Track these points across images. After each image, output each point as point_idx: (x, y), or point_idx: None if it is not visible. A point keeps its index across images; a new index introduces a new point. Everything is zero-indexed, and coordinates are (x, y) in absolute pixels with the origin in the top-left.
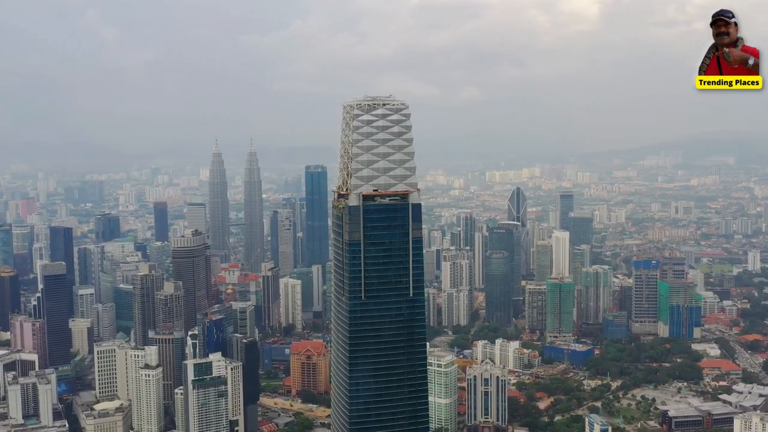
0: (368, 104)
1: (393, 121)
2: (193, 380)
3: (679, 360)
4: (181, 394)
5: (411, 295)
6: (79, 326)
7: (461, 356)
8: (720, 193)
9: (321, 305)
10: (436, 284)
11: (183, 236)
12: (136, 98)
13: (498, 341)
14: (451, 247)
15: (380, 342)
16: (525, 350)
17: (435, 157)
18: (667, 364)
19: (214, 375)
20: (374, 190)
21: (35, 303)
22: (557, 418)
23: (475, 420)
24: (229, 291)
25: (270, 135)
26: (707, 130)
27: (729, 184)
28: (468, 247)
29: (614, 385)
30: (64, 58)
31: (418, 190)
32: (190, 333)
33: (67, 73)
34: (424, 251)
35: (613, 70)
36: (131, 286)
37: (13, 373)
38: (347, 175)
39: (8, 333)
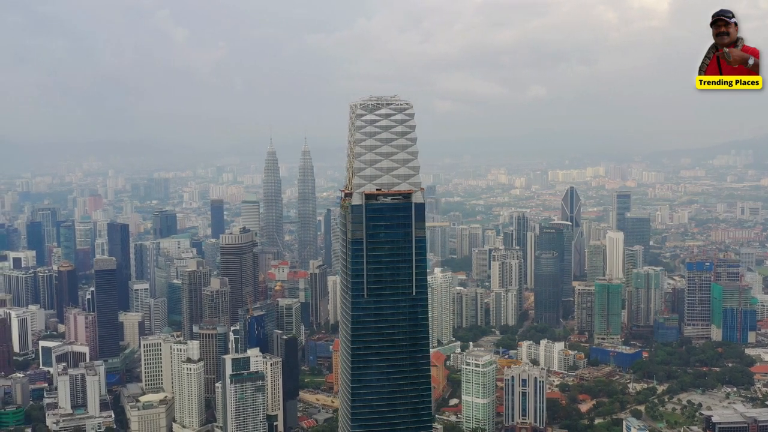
0: (372, 104)
1: (396, 121)
2: (231, 375)
3: (730, 364)
4: (221, 388)
5: (414, 293)
6: (130, 320)
7: (506, 356)
8: None
9: None
10: (487, 284)
11: (231, 233)
12: (204, 97)
13: (543, 342)
14: (501, 247)
15: (382, 340)
16: (570, 352)
17: (498, 155)
18: (717, 369)
19: (251, 370)
20: (377, 189)
21: (89, 297)
22: (598, 421)
23: (512, 421)
24: (278, 288)
25: (335, 133)
26: None
27: None
28: (518, 247)
29: (660, 389)
30: (136, 58)
31: (422, 189)
32: (232, 328)
33: (138, 74)
34: (476, 250)
35: (683, 67)
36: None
37: (64, 364)
38: (351, 174)
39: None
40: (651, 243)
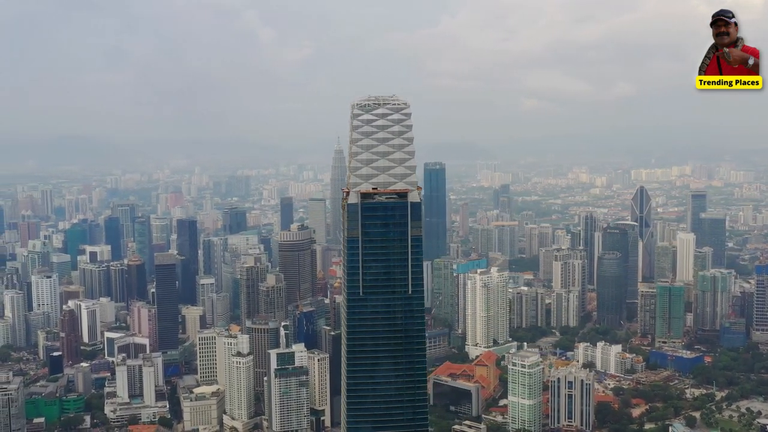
0: (369, 103)
1: (393, 120)
2: (275, 369)
3: None
4: (267, 382)
5: (410, 292)
6: (192, 313)
7: (563, 358)
8: None
9: (429, 300)
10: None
11: (289, 230)
12: (289, 96)
13: (600, 344)
14: (563, 247)
15: (378, 337)
16: (628, 354)
17: (581, 153)
18: None
19: (296, 365)
20: (373, 189)
21: (153, 290)
22: (648, 426)
23: (558, 423)
24: (337, 285)
25: (417, 131)
26: None
27: None
28: (581, 247)
29: (720, 395)
30: (224, 58)
31: (419, 188)
32: (283, 324)
33: (226, 73)
34: (543, 250)
35: None
36: None
37: (123, 355)
38: (350, 173)
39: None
40: (731, 245)
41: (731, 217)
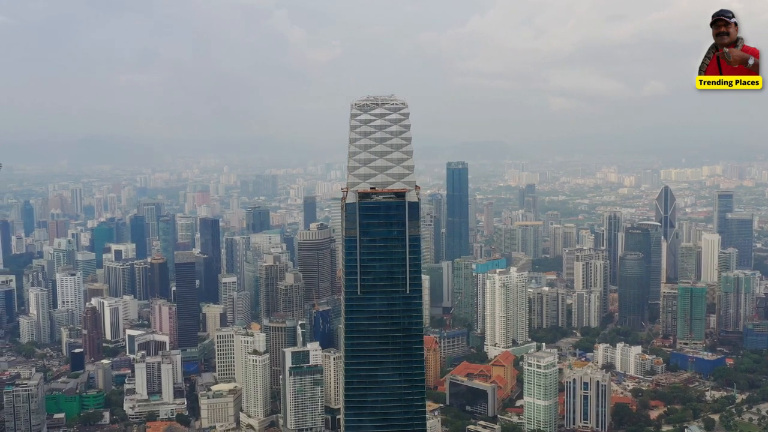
0: (367, 104)
1: (392, 120)
2: (290, 368)
3: None
4: (282, 380)
5: (408, 291)
6: (212, 312)
7: (583, 359)
8: None
9: (450, 301)
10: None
11: (308, 230)
12: (318, 95)
13: (619, 345)
14: (585, 247)
15: (376, 336)
16: (647, 356)
17: (611, 153)
18: None
19: (311, 363)
20: (371, 188)
21: (174, 289)
22: (666, 428)
23: (573, 424)
24: None
25: (436, 131)
26: None
27: None
28: (603, 247)
29: (740, 398)
30: (253, 58)
31: (417, 188)
32: (299, 322)
33: (255, 73)
34: (566, 250)
35: None
36: None
37: (143, 352)
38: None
39: None
40: (759, 245)
41: (761, 218)
